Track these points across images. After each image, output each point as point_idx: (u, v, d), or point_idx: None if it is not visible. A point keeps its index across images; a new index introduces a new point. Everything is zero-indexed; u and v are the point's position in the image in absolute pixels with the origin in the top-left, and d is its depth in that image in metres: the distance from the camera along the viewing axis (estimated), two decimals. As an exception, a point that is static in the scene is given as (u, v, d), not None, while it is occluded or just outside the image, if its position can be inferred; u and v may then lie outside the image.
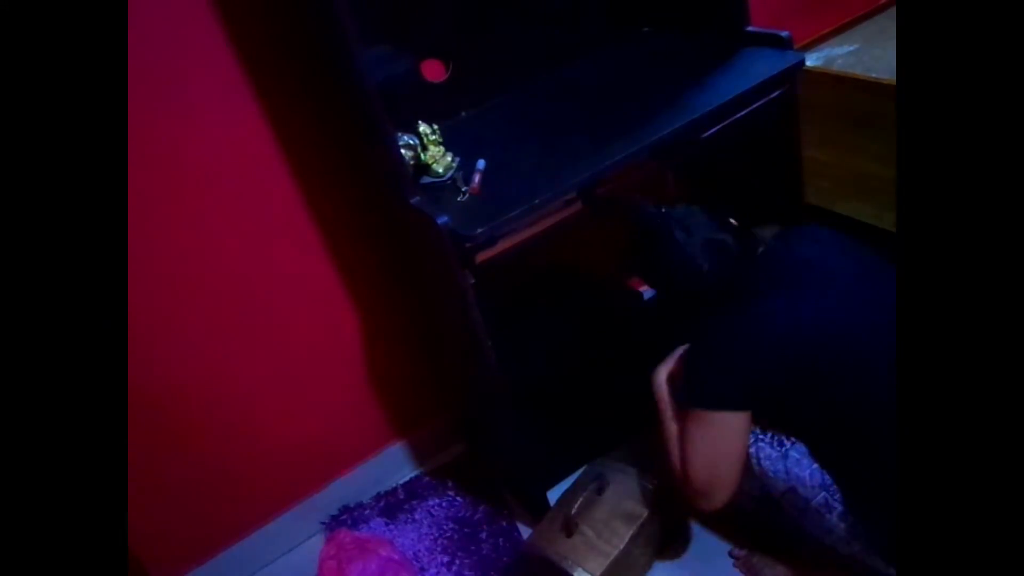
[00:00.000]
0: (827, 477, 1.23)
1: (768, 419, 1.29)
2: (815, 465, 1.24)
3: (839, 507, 1.22)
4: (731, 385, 1.23)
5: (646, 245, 1.39)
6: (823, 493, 1.23)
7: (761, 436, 1.30)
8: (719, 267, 1.31)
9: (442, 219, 1.21)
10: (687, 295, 1.37)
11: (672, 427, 1.31)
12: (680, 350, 1.41)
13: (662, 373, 1.38)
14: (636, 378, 1.43)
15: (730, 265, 1.32)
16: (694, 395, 1.26)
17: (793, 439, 1.27)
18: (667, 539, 1.53)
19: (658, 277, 1.44)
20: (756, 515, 1.41)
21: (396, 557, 1.59)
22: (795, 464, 1.25)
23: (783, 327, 1.21)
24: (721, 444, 1.23)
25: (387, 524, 1.76)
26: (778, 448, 1.28)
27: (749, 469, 1.29)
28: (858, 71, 1.86)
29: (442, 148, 1.41)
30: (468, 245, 1.22)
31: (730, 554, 1.48)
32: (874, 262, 1.32)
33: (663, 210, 1.40)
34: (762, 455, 1.29)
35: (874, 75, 1.80)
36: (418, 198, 1.28)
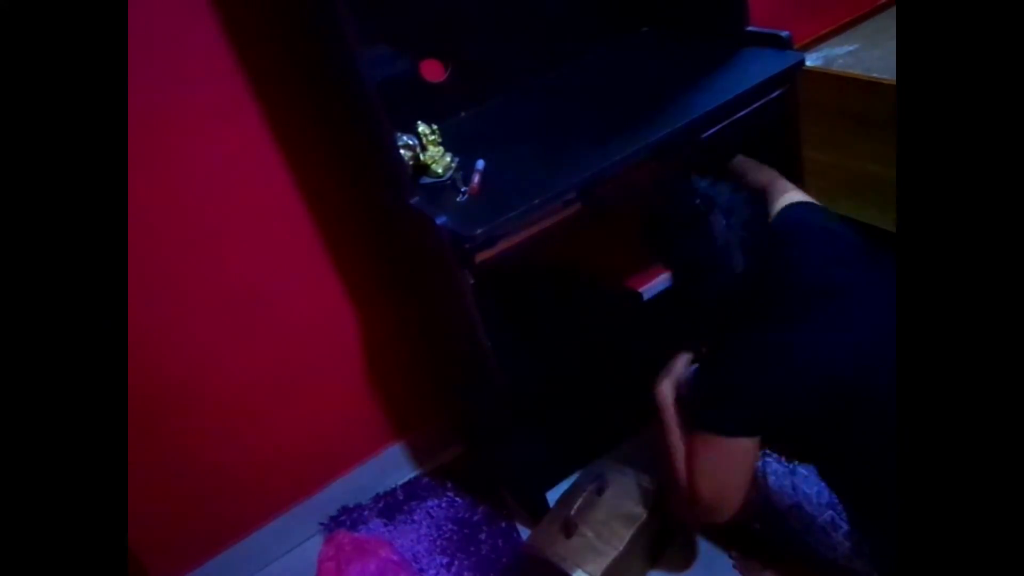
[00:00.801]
0: (834, 496, 1.22)
1: (778, 444, 1.29)
2: (823, 483, 1.23)
3: (845, 526, 1.21)
4: (746, 414, 1.20)
5: (675, 225, 1.25)
6: (829, 511, 1.22)
7: (768, 452, 1.29)
8: (751, 269, 1.23)
9: (441, 219, 1.21)
10: (705, 295, 1.30)
11: (677, 442, 1.28)
12: (683, 358, 1.38)
13: (667, 384, 1.35)
14: (636, 379, 1.43)
15: (760, 269, 1.23)
16: (709, 420, 1.23)
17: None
18: (667, 540, 1.53)
19: (679, 266, 1.32)
20: (761, 531, 1.40)
21: (395, 558, 1.59)
22: (803, 481, 1.25)
23: (805, 362, 1.18)
24: (731, 468, 1.22)
25: (386, 525, 1.76)
26: (786, 464, 1.27)
27: (755, 483, 1.29)
28: (858, 71, 1.86)
29: (441, 148, 1.41)
30: (467, 245, 1.22)
31: (730, 555, 1.47)
32: (882, 262, 1.27)
33: (703, 184, 1.26)
34: (769, 470, 1.28)
35: (874, 75, 1.80)
36: (417, 198, 1.28)
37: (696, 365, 1.40)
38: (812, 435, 1.22)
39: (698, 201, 1.23)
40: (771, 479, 1.27)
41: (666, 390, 1.34)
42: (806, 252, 1.26)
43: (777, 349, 1.19)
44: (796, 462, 1.27)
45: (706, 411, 1.24)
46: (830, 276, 1.23)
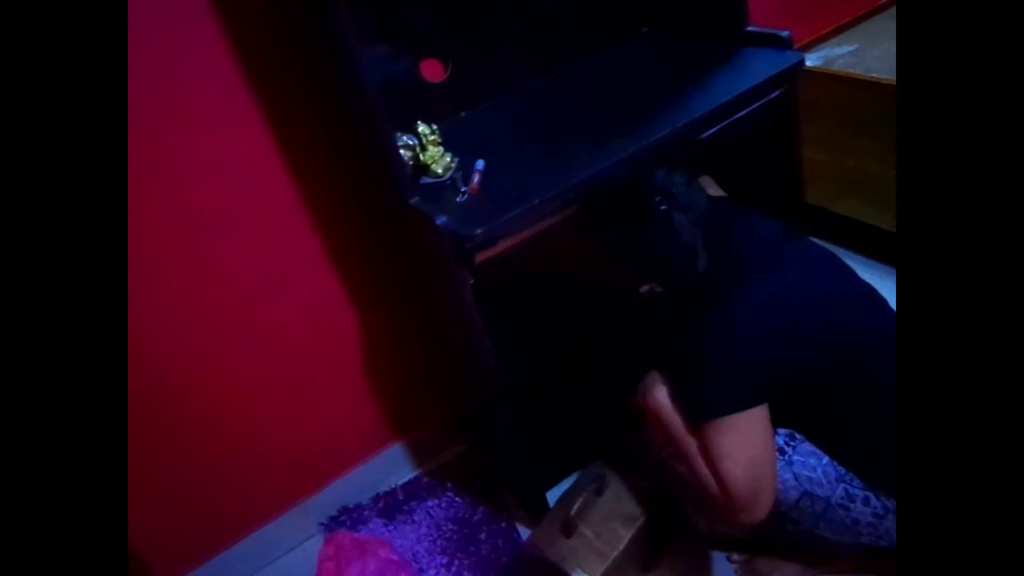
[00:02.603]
0: (839, 468, 1.19)
1: (776, 414, 1.24)
2: (824, 460, 1.21)
3: (861, 492, 1.19)
4: (745, 383, 1.15)
5: (637, 226, 1.19)
6: (841, 486, 1.20)
7: None
8: (713, 262, 1.20)
9: (441, 219, 1.21)
10: (670, 296, 1.25)
11: (690, 446, 1.21)
12: (655, 376, 1.32)
13: (657, 393, 1.28)
14: (635, 379, 1.43)
15: (717, 264, 1.20)
16: (712, 405, 1.16)
17: (793, 444, 1.25)
18: (667, 541, 1.53)
19: (641, 269, 1.25)
20: (766, 536, 1.38)
21: (395, 558, 1.59)
22: (802, 467, 1.23)
23: (777, 316, 1.15)
24: (754, 444, 1.15)
25: (386, 525, 1.76)
26: (780, 458, 1.25)
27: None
28: (858, 71, 1.86)
29: (441, 148, 1.41)
30: (467, 245, 1.22)
31: (729, 559, 1.47)
32: (808, 242, 1.28)
33: (659, 177, 1.21)
34: None
35: (874, 75, 1.80)
36: (417, 198, 1.28)
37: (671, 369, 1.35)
38: (808, 395, 1.18)
39: (658, 199, 1.18)
40: None
41: (659, 398, 1.28)
42: (750, 237, 1.25)
43: (749, 314, 1.15)
44: (789, 451, 1.24)
45: (706, 398, 1.18)
46: (775, 253, 1.22)
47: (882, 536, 1.22)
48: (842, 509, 1.22)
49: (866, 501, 1.20)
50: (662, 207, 1.18)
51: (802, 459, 1.24)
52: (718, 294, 1.18)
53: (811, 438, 1.25)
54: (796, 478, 1.24)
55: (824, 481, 1.22)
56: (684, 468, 1.24)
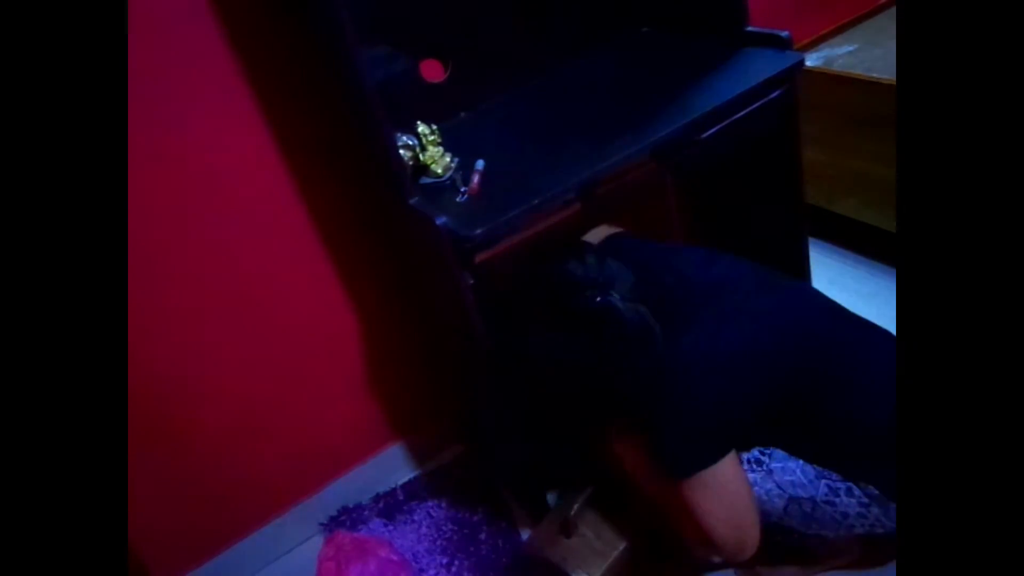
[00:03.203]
0: (815, 467, 1.22)
1: (745, 443, 1.26)
2: (799, 462, 1.23)
3: (842, 484, 1.20)
4: (704, 439, 1.16)
5: (586, 334, 1.18)
6: (822, 482, 1.21)
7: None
8: (656, 316, 1.17)
9: (441, 219, 1.21)
10: (635, 379, 1.21)
11: (668, 502, 1.23)
12: (625, 425, 1.32)
13: (624, 445, 1.28)
14: (636, 379, 1.43)
15: (660, 311, 1.18)
16: (684, 463, 1.16)
17: (768, 451, 1.26)
18: (667, 541, 1.53)
19: (608, 373, 1.22)
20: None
21: (395, 558, 1.59)
22: (782, 473, 1.24)
23: (732, 356, 1.15)
24: (730, 493, 1.17)
25: (386, 525, 1.76)
26: (759, 469, 1.26)
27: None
28: (858, 71, 1.86)
29: (441, 148, 1.41)
30: (467, 245, 1.22)
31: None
32: (756, 271, 1.28)
33: (571, 272, 1.19)
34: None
35: (874, 75, 1.80)
36: (417, 198, 1.28)
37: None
38: (771, 420, 1.18)
39: (588, 294, 1.15)
40: (757, 491, 1.25)
41: (627, 450, 1.28)
42: (672, 276, 1.24)
43: (692, 369, 1.14)
44: (765, 460, 1.25)
45: (671, 459, 1.18)
46: (702, 278, 1.23)
47: (874, 524, 1.22)
48: (828, 505, 1.23)
49: (849, 492, 1.21)
50: (596, 300, 1.15)
51: (780, 464, 1.25)
52: (667, 336, 1.17)
53: (782, 448, 1.26)
54: (779, 486, 1.25)
55: (805, 481, 1.23)
56: (671, 523, 1.26)
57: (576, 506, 1.44)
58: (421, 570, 1.63)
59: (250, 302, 1.55)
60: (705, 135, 1.42)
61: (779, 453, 1.24)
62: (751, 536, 1.18)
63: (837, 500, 1.22)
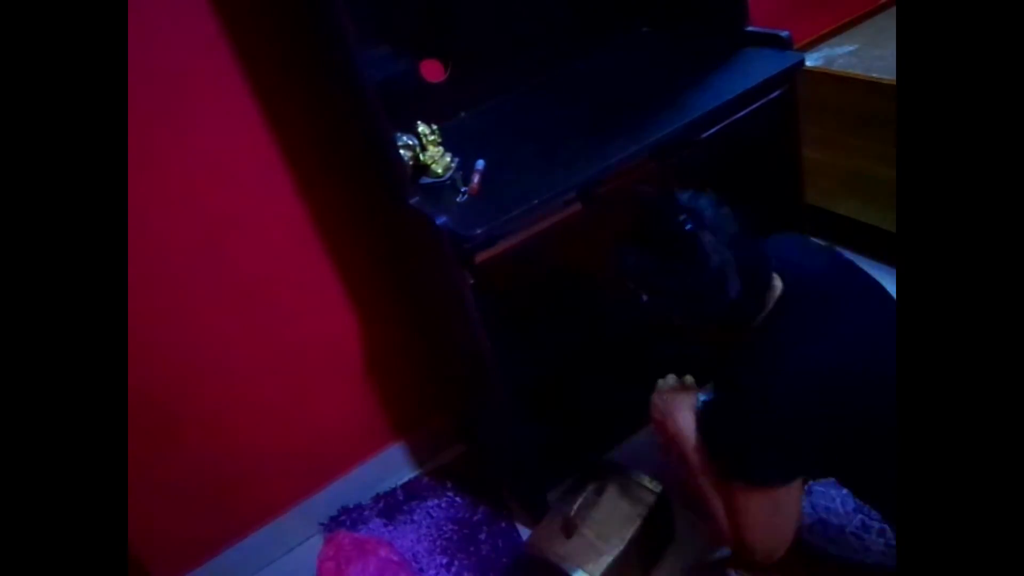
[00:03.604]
0: (857, 500, 1.18)
1: (813, 472, 1.18)
2: (842, 492, 1.19)
3: (876, 524, 1.17)
4: (785, 457, 1.06)
5: (664, 249, 1.07)
6: (859, 516, 1.18)
7: None
8: (748, 292, 1.06)
9: (441, 219, 1.21)
10: (700, 325, 1.13)
11: (711, 490, 1.15)
12: (677, 394, 1.25)
13: (683, 418, 1.19)
14: (636, 379, 1.43)
15: (759, 289, 1.08)
16: (747, 472, 1.08)
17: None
18: (666, 541, 1.53)
19: (670, 296, 1.11)
20: None
21: (395, 558, 1.59)
22: (821, 497, 1.21)
23: (820, 375, 1.05)
24: (783, 516, 1.09)
25: (386, 525, 1.76)
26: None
27: None
28: (858, 71, 1.86)
29: (441, 148, 1.41)
30: (467, 245, 1.22)
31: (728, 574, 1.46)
32: (859, 274, 1.19)
33: (685, 198, 1.09)
34: None
35: (874, 75, 1.80)
36: (417, 198, 1.28)
37: (705, 398, 1.26)
38: (839, 452, 1.10)
39: (683, 217, 1.06)
40: None
41: (683, 424, 1.18)
42: (790, 263, 1.15)
43: (795, 380, 1.05)
44: (810, 481, 1.22)
45: (740, 462, 1.09)
46: (818, 282, 1.15)
47: (890, 559, 1.19)
48: (855, 538, 1.20)
49: (881, 532, 1.18)
50: (687, 226, 1.06)
51: (822, 489, 1.22)
52: (764, 336, 1.09)
53: (836, 477, 1.19)
54: (813, 507, 1.22)
55: (842, 511, 1.20)
56: (703, 505, 1.18)
57: (576, 506, 1.44)
58: (421, 570, 1.63)
59: (250, 302, 1.54)
60: (705, 135, 1.42)
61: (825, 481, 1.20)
62: (783, 551, 1.11)
63: (866, 536, 1.19)
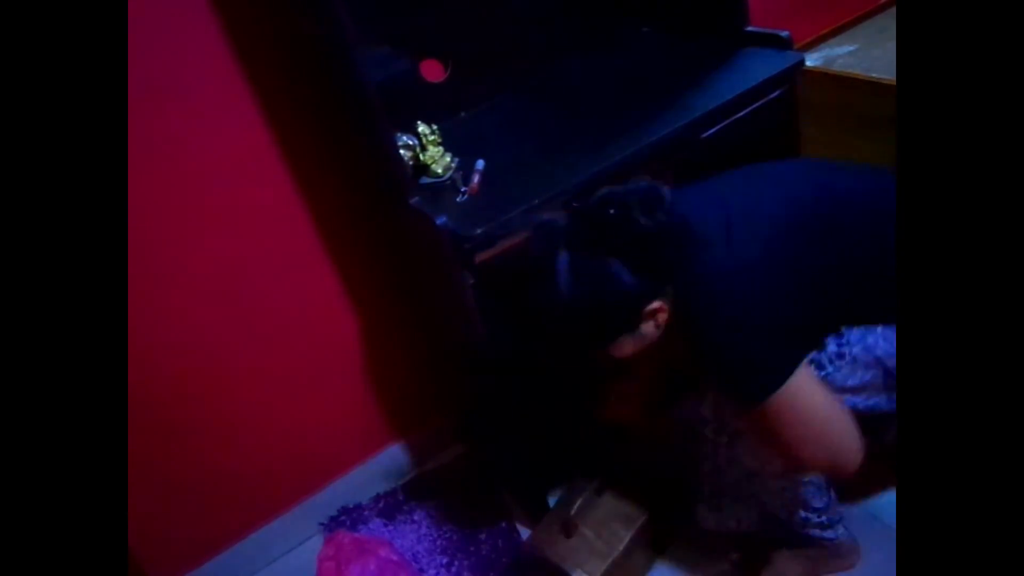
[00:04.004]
0: (873, 351, 1.13)
1: (814, 343, 1.15)
2: (877, 330, 1.13)
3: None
4: (774, 347, 1.05)
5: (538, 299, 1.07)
6: (872, 370, 1.14)
7: None
8: (641, 266, 1.05)
9: (441, 219, 1.21)
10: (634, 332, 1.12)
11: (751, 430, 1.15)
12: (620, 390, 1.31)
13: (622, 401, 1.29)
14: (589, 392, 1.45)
15: (654, 259, 1.06)
16: (760, 387, 1.04)
17: (844, 339, 1.15)
18: (667, 540, 1.53)
19: (584, 326, 1.11)
20: (762, 534, 1.38)
21: (395, 558, 1.58)
22: (865, 352, 1.14)
23: (751, 255, 1.05)
24: (812, 408, 1.05)
25: (386, 525, 1.76)
26: (841, 362, 1.15)
27: (750, 498, 1.28)
28: (858, 71, 1.86)
29: (441, 148, 1.41)
30: (467, 245, 1.22)
31: (727, 559, 1.47)
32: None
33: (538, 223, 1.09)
34: None
35: (874, 75, 1.80)
36: (417, 198, 1.28)
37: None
38: (825, 294, 1.10)
39: (539, 245, 1.07)
40: (853, 382, 1.15)
41: (625, 402, 1.28)
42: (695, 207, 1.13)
43: (733, 272, 1.05)
44: (845, 347, 1.15)
45: (749, 382, 1.06)
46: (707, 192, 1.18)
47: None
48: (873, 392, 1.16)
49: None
50: (538, 251, 1.08)
51: (859, 344, 1.14)
52: (689, 268, 1.07)
53: (845, 323, 1.16)
54: (869, 364, 1.15)
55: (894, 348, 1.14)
56: (763, 452, 1.17)
57: (576, 506, 1.44)
58: (421, 570, 1.63)
59: (250, 302, 1.54)
60: (705, 135, 1.42)
61: (854, 335, 1.13)
62: (847, 448, 1.06)
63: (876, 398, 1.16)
